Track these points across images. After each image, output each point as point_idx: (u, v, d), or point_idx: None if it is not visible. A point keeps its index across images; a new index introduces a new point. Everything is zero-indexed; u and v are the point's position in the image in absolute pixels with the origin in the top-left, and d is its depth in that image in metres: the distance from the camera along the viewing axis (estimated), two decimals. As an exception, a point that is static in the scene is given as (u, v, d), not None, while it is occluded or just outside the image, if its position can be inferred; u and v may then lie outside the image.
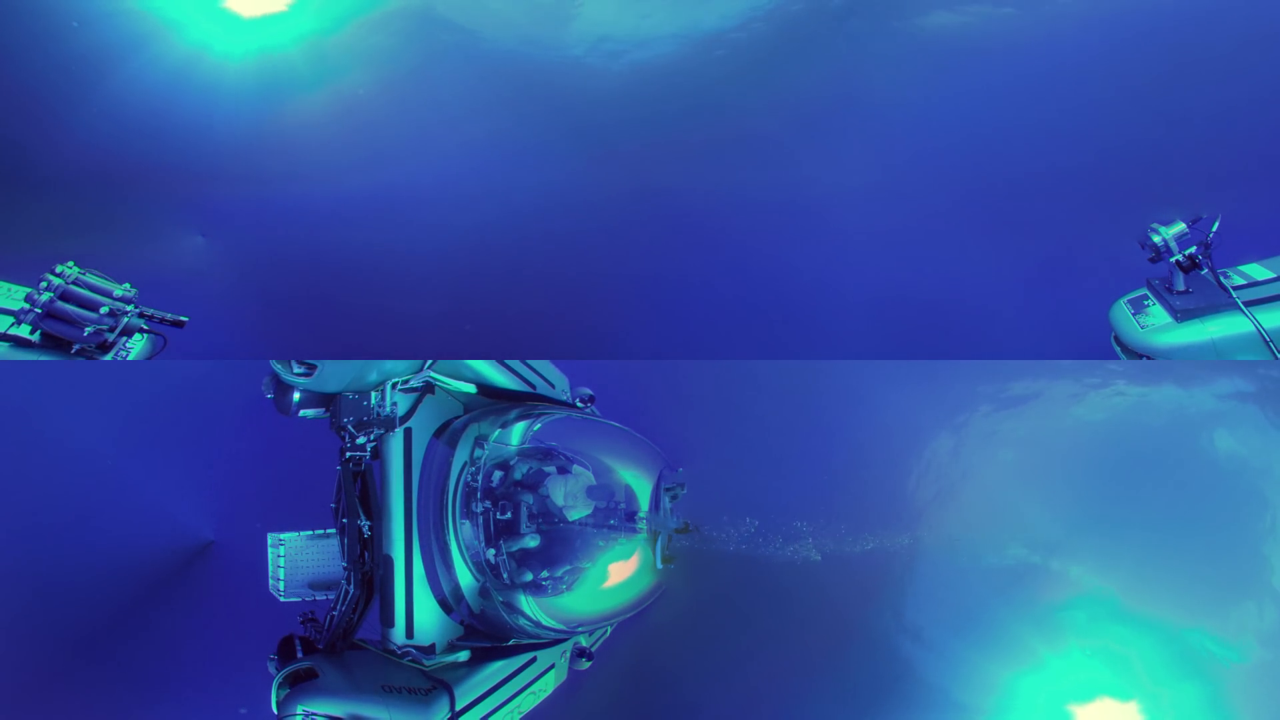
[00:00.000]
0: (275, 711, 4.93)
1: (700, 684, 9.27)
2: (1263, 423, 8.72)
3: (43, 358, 4.67)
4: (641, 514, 5.82)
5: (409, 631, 5.42)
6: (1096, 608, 8.66)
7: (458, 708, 5.12)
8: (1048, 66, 11.63)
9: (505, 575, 5.47)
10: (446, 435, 5.72)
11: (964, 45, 12.01)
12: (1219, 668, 8.27)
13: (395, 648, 5.39)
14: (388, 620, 5.43)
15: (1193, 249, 5.55)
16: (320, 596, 5.77)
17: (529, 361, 6.27)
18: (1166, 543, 8.48)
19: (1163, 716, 8.32)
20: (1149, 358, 5.70)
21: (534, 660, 5.82)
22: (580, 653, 6.27)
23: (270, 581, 5.84)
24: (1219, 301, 5.51)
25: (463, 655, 5.49)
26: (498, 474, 5.64)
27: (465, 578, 5.57)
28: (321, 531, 5.87)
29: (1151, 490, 8.69)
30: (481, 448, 5.69)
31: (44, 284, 4.67)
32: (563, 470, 5.76)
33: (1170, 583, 8.45)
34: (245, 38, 11.27)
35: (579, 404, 6.67)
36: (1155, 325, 5.66)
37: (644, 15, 12.19)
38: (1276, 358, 5.36)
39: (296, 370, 4.98)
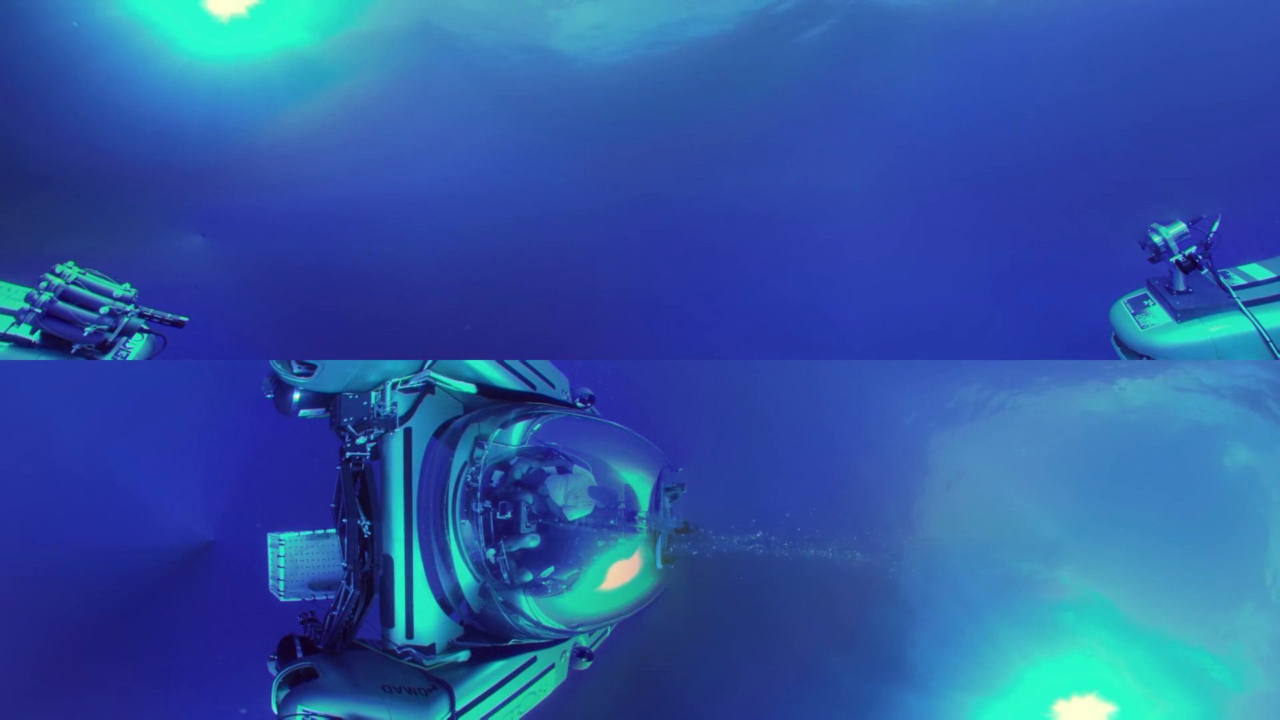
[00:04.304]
0: (275, 711, 4.93)
1: (700, 684, 9.27)
2: (1266, 426, 8.71)
3: (43, 358, 4.67)
4: (641, 514, 5.82)
5: (409, 631, 5.42)
6: (1092, 612, 8.66)
7: (458, 708, 5.12)
8: (1047, 66, 11.63)
9: (505, 575, 5.47)
10: (446, 435, 5.72)
11: (961, 45, 12.01)
12: (1212, 682, 8.27)
13: (395, 648, 5.39)
14: (388, 620, 5.43)
15: (1193, 249, 5.55)
16: (320, 596, 5.77)
17: (529, 361, 6.27)
18: (1165, 549, 8.47)
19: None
20: (1149, 358, 5.71)
21: (534, 660, 5.82)
22: (580, 653, 6.28)
23: (270, 581, 5.84)
24: (1219, 301, 5.52)
25: (463, 655, 5.49)
26: (498, 474, 5.64)
27: (465, 578, 5.57)
28: (321, 531, 5.87)
29: (1151, 492, 8.69)
30: (481, 448, 5.69)
31: (44, 284, 4.66)
32: (563, 470, 5.76)
33: (1168, 590, 8.44)
34: (246, 40, 11.27)
35: (579, 404, 6.67)
36: (1155, 325, 5.66)
37: (641, 15, 12.18)
38: (1276, 358, 5.37)
39: (296, 370, 4.98)
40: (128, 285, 4.92)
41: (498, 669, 5.53)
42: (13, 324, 4.62)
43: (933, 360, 9.99)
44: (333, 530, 5.73)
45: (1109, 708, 8.41)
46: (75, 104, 10.62)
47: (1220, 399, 8.87)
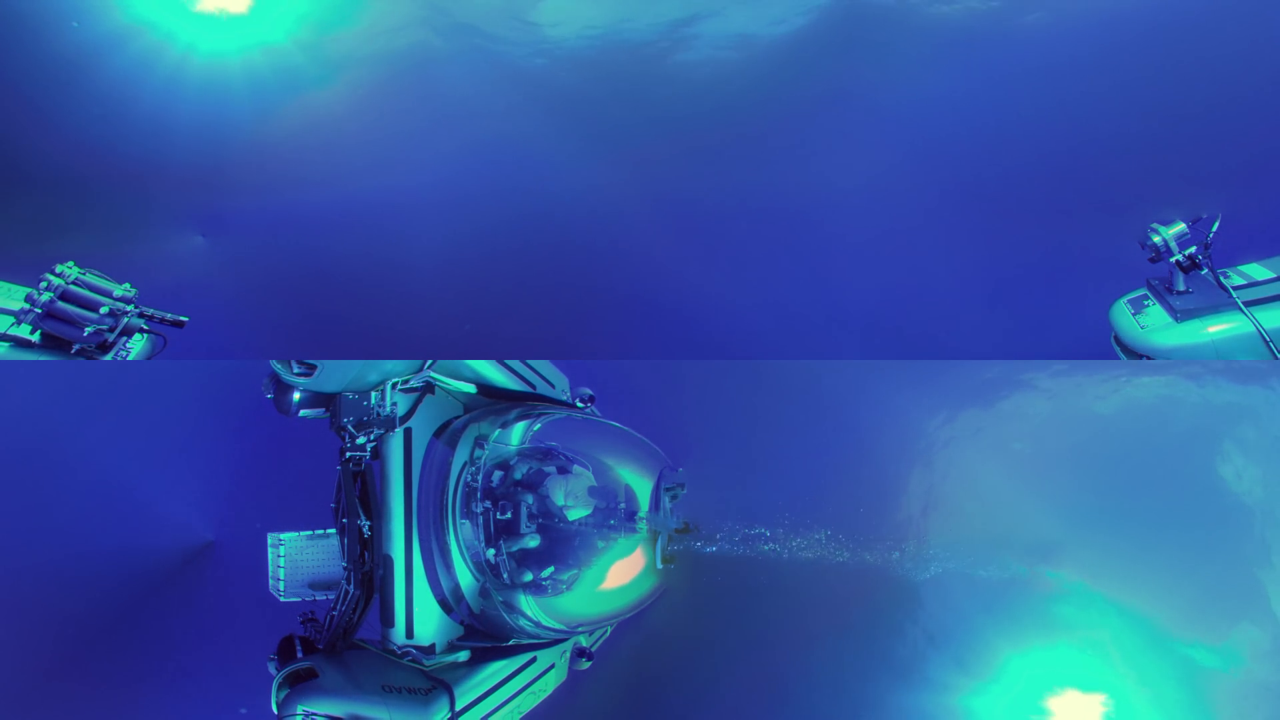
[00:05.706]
0: (275, 711, 4.93)
1: (699, 684, 9.27)
2: (1265, 426, 8.71)
3: (43, 358, 4.67)
4: (641, 514, 5.81)
5: (409, 631, 5.42)
6: (1089, 610, 8.67)
7: (458, 708, 5.12)
8: (1047, 65, 11.63)
9: (505, 575, 5.47)
10: (446, 435, 5.72)
11: (962, 44, 12.01)
12: (1208, 678, 8.27)
13: (395, 648, 5.39)
14: (388, 620, 5.43)
15: (1193, 249, 5.55)
16: (320, 596, 5.77)
17: (529, 361, 6.27)
18: (1164, 547, 8.47)
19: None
20: (1149, 358, 5.70)
21: (534, 660, 5.82)
22: (580, 653, 6.27)
23: (270, 581, 5.84)
24: (1219, 301, 5.51)
25: (463, 655, 5.49)
26: (498, 474, 5.64)
27: (465, 578, 5.57)
28: (321, 531, 5.87)
29: (1151, 492, 8.69)
30: (481, 448, 5.68)
31: (44, 284, 4.67)
32: (563, 470, 5.76)
33: (1166, 588, 8.45)
34: (245, 39, 11.28)
35: (579, 404, 6.66)
36: (1155, 325, 5.65)
37: (637, 13, 12.18)
38: (1276, 358, 5.36)
39: (296, 370, 4.98)
40: (128, 285, 4.92)
41: (498, 669, 5.53)
42: (13, 324, 4.63)
43: (933, 360, 9.98)
44: (333, 530, 5.72)
45: (1104, 704, 8.43)
46: (75, 105, 10.63)
47: (1218, 400, 8.87)
